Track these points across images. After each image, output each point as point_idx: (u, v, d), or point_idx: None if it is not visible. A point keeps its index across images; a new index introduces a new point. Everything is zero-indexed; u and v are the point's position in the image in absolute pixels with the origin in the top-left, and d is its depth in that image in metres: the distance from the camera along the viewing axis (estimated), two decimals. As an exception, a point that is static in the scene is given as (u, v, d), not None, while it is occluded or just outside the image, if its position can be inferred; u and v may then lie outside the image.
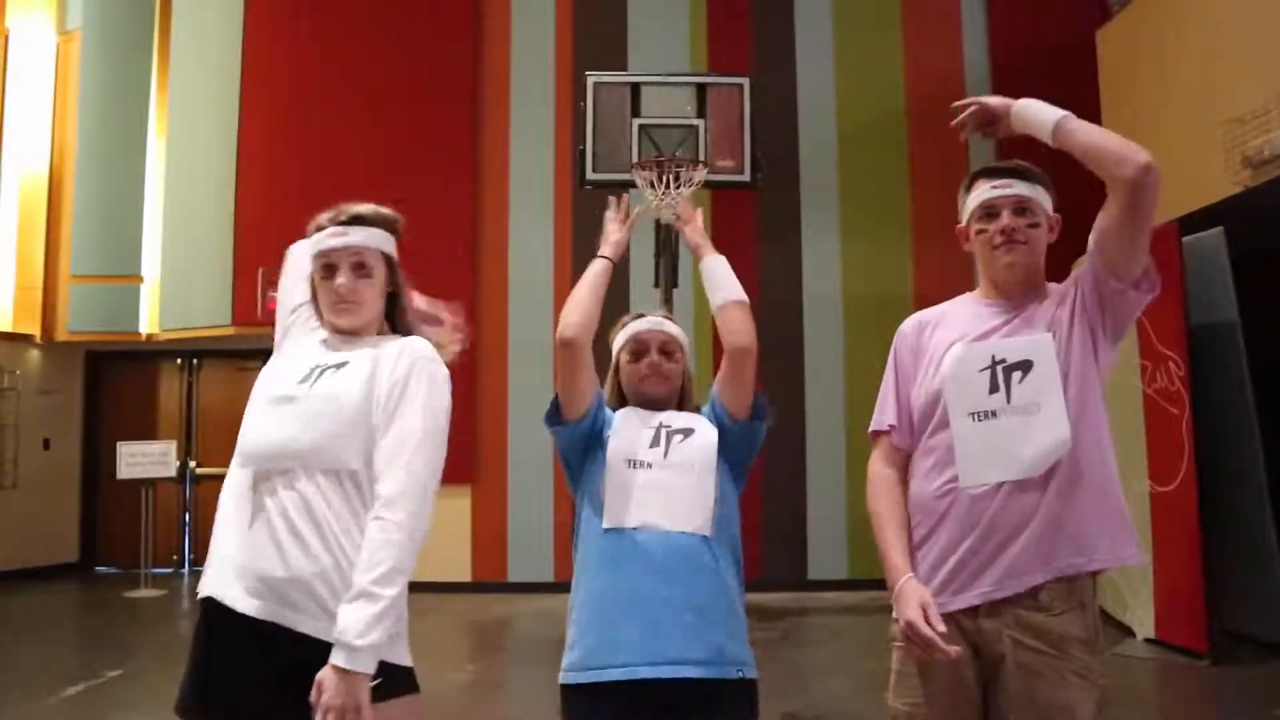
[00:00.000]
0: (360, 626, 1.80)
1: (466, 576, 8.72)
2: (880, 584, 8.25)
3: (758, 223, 9.08)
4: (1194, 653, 5.96)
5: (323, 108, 9.15)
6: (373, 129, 9.08)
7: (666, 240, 7.72)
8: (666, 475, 2.32)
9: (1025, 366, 2.16)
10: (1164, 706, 5.54)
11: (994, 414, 2.14)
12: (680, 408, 2.51)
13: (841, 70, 9.36)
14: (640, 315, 2.59)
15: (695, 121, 7.82)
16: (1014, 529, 2.09)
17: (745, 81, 8.01)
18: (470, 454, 8.83)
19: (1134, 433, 6.65)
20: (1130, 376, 6.68)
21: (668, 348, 2.53)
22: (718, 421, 2.44)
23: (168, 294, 10.04)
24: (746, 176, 7.92)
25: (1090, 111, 8.82)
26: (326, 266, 2.14)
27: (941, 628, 2.02)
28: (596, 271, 2.50)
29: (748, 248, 9.07)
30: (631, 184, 7.69)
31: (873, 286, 9.08)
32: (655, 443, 2.36)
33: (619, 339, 2.58)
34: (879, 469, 2.35)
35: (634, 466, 2.33)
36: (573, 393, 2.40)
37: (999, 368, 2.18)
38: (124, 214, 10.29)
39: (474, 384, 8.95)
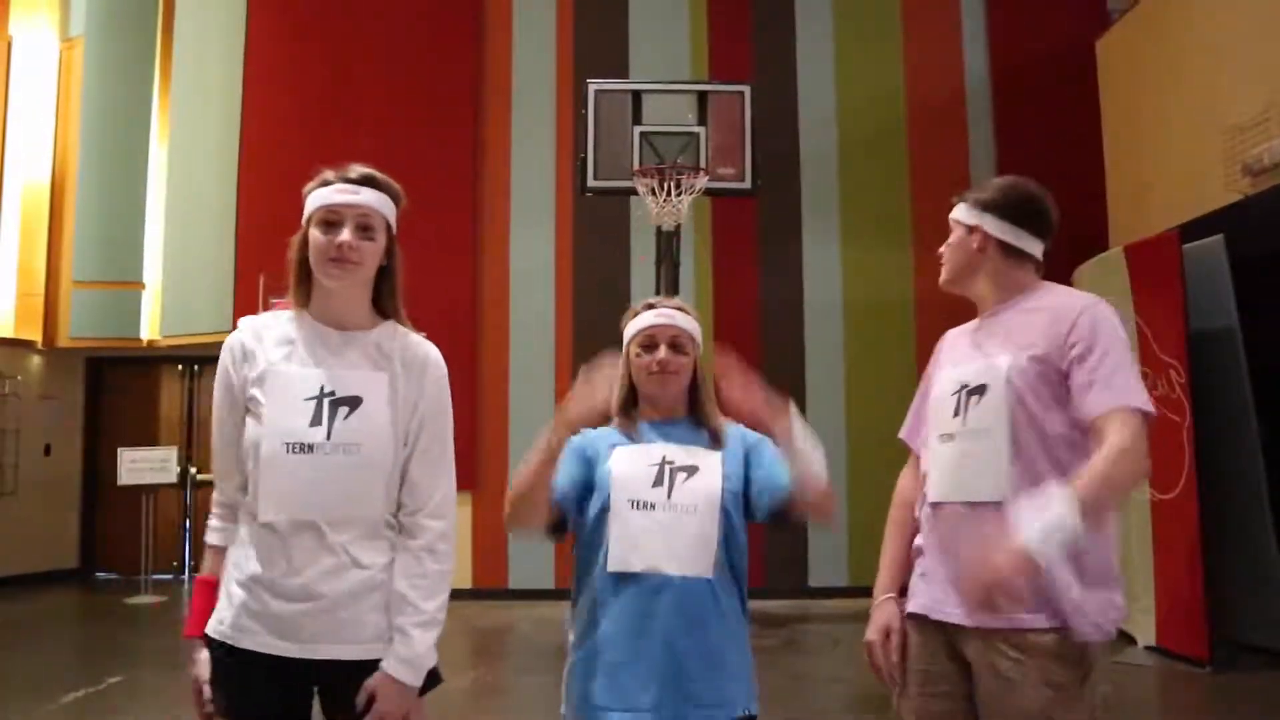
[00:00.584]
0: (425, 650, 2.00)
1: (467, 583, 8.71)
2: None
3: (758, 229, 9.08)
4: (1195, 660, 5.95)
5: (324, 115, 9.17)
6: (375, 136, 9.08)
7: (667, 247, 7.73)
8: (669, 517, 2.25)
9: (981, 390, 2.16)
10: (1165, 714, 5.53)
11: (953, 436, 2.18)
12: (692, 408, 2.43)
13: (842, 77, 9.38)
14: (651, 305, 2.48)
15: (696, 129, 7.83)
16: (976, 555, 1.97)
17: (746, 89, 8.03)
18: (471, 461, 8.82)
19: (1135, 440, 6.64)
20: (1131, 384, 6.67)
21: (678, 342, 2.43)
22: (745, 474, 2.34)
23: (169, 300, 10.07)
24: (747, 183, 7.93)
25: (1090, 118, 8.87)
26: (329, 222, 2.05)
27: (894, 658, 2.19)
28: (540, 457, 2.17)
29: (748, 254, 9.08)
30: (632, 191, 7.71)
31: (873, 293, 9.08)
32: (658, 481, 2.28)
33: (629, 329, 2.47)
34: (902, 481, 2.44)
35: (637, 508, 2.26)
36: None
37: (963, 391, 2.20)
38: (125, 220, 10.31)
39: (475, 391, 8.95)
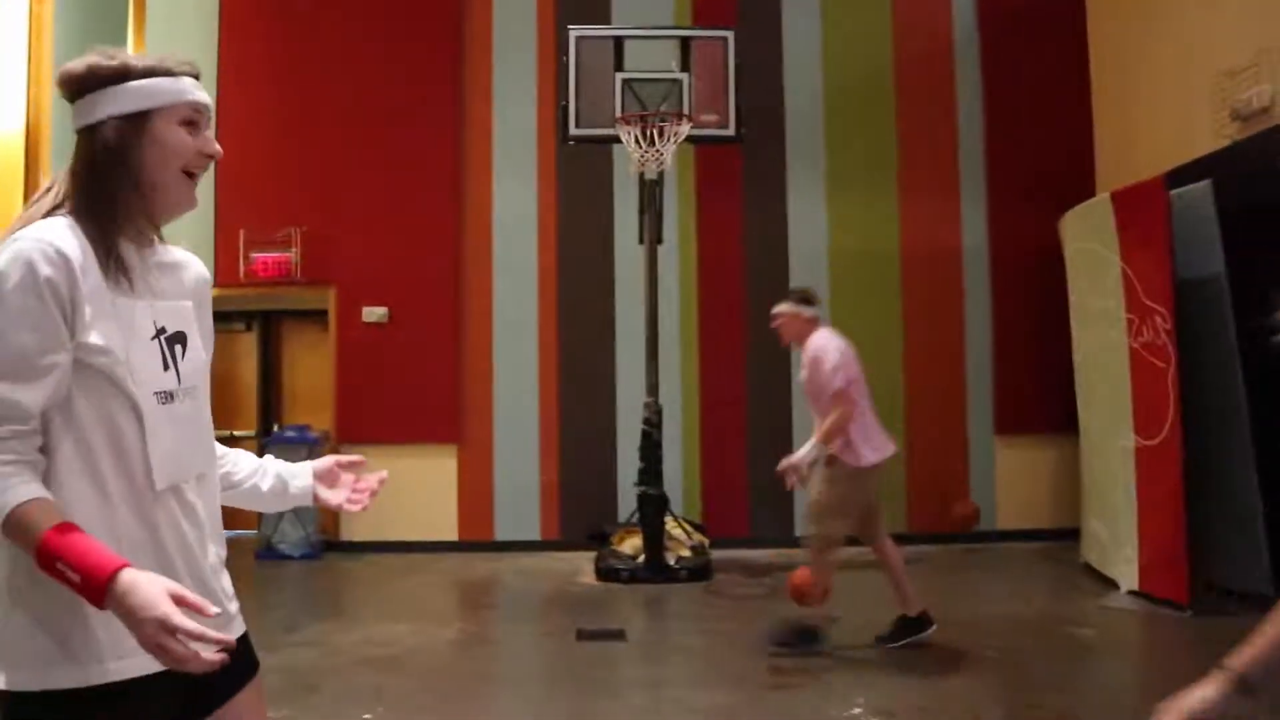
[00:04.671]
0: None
1: (453, 536, 8.71)
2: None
3: (742, 177, 8.99)
4: (1176, 604, 6.01)
5: (302, 65, 9.01)
6: (353, 86, 8.94)
7: (651, 196, 7.66)
8: None
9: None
10: (1146, 657, 5.59)
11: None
12: None
13: (828, 23, 9.24)
14: None
15: (679, 75, 7.74)
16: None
17: (730, 35, 7.93)
18: (455, 414, 8.80)
19: (1119, 386, 6.66)
20: (1116, 331, 6.68)
21: None
22: None
23: (148, 254, 9.93)
24: (731, 131, 7.86)
25: (1079, 64, 8.79)
26: (192, 123, 1.69)
27: None
28: None
29: (732, 202, 9.00)
30: (615, 139, 7.61)
31: (859, 241, 9.02)
32: None
33: None
34: None
35: None
36: None
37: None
38: (102, 173, 10.15)
39: (459, 344, 8.89)
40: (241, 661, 1.75)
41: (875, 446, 5.27)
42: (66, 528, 1.44)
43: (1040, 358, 8.60)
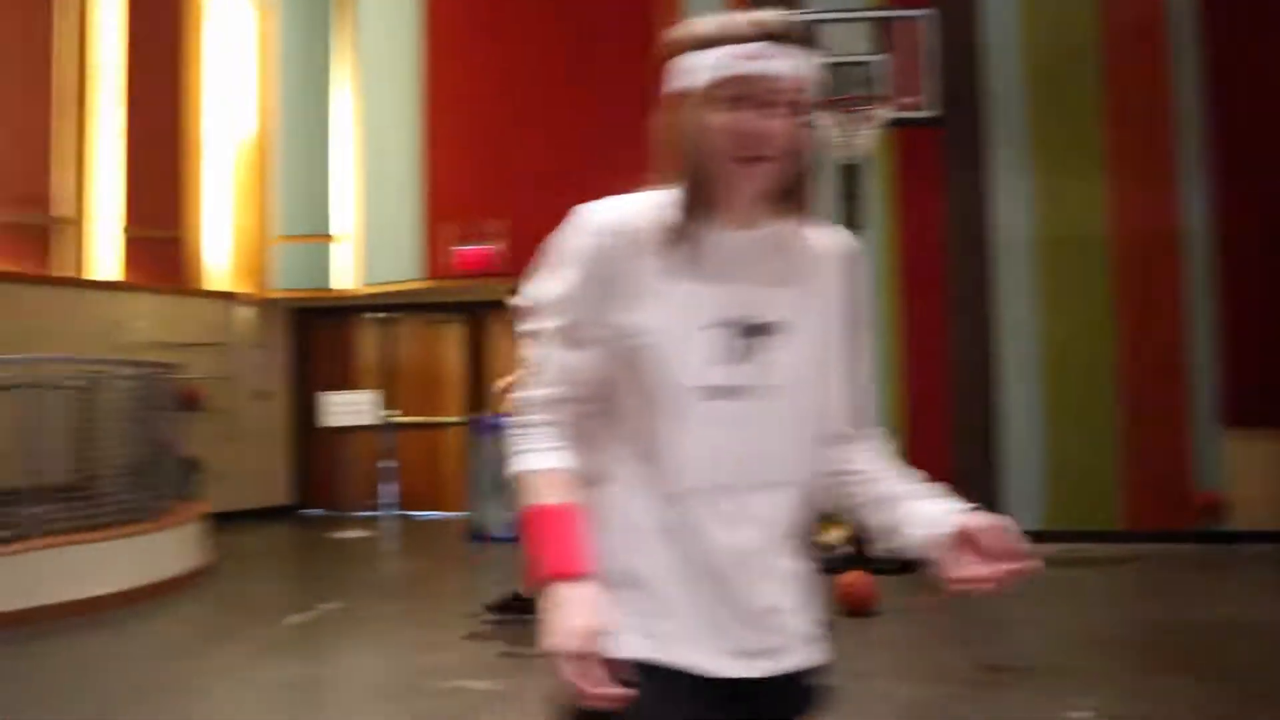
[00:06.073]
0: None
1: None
2: (1076, 536, 7.83)
3: (944, 161, 8.72)
4: None
5: (505, 60, 9.33)
6: (560, 84, 9.19)
7: (849, 181, 7.55)
8: None
9: None
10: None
11: None
12: None
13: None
14: None
15: (876, 58, 7.61)
16: None
17: (927, 15, 7.74)
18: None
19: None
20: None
21: None
22: None
23: (365, 251, 10.57)
24: (930, 113, 7.67)
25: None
26: (739, 99, 1.41)
27: None
28: None
29: (935, 187, 8.75)
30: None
31: (1066, 226, 8.61)
32: None
33: None
34: None
35: None
36: None
37: None
38: (323, 176, 10.87)
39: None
40: (796, 695, 1.54)
41: None
42: (555, 511, 1.43)
43: (1277, 345, 7.99)
